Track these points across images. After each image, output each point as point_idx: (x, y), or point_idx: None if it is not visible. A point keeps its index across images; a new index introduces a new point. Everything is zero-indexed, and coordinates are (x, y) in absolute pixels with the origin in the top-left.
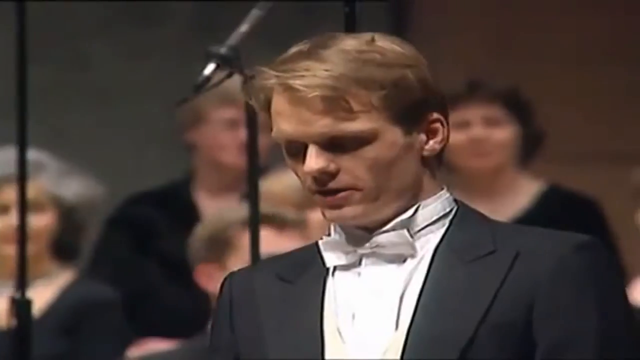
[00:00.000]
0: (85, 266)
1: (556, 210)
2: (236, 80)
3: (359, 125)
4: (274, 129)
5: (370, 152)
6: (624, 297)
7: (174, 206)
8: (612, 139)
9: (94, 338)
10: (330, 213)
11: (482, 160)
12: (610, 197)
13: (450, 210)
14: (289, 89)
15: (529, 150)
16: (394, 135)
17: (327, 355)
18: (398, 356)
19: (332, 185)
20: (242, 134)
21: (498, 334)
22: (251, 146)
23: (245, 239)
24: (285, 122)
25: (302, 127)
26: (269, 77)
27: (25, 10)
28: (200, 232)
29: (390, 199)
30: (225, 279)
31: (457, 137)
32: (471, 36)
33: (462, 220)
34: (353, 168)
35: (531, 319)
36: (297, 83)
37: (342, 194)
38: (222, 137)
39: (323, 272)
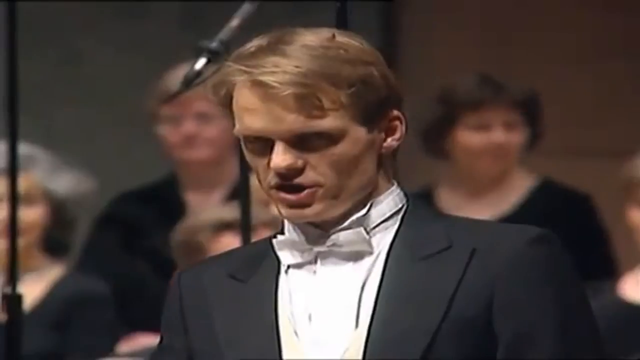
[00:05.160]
0: (75, 262)
1: (550, 204)
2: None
3: (328, 123)
4: (238, 124)
5: (336, 149)
6: (580, 288)
7: (163, 203)
8: (602, 135)
9: (84, 332)
10: (289, 212)
11: (498, 162)
12: (601, 193)
13: (402, 206)
14: (259, 85)
15: (528, 147)
16: (359, 133)
17: (284, 357)
18: (360, 355)
19: (297, 181)
20: (185, 128)
21: (460, 329)
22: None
23: (216, 244)
24: (254, 118)
25: (271, 123)
26: (235, 73)
27: (16, 7)
28: (173, 239)
29: (349, 196)
30: (173, 278)
31: (476, 139)
32: (462, 33)
33: (414, 216)
34: (318, 165)
35: (491, 314)
36: (270, 79)
37: (307, 191)
38: (167, 134)
39: (275, 270)
